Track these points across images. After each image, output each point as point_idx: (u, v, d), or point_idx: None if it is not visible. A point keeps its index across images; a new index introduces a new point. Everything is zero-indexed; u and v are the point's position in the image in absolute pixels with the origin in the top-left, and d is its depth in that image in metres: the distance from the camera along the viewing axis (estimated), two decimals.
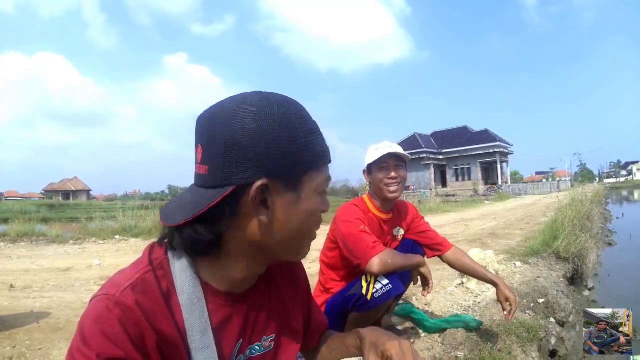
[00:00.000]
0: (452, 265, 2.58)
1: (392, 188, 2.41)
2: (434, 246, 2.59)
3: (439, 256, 2.59)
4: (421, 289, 2.41)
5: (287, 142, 0.75)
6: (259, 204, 0.75)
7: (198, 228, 0.76)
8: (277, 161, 0.74)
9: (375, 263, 2.15)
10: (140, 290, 0.76)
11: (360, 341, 0.98)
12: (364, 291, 2.18)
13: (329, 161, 0.84)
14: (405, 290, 2.49)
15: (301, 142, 0.76)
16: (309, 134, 0.79)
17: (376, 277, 2.19)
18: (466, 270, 2.57)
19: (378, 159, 2.40)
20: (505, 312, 2.30)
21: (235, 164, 0.73)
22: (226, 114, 0.75)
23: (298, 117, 0.78)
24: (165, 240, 0.86)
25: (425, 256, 2.58)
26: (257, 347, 0.92)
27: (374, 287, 2.17)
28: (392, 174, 2.40)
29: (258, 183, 0.73)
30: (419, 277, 2.37)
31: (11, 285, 4.81)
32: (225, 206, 0.75)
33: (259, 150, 0.73)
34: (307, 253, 0.90)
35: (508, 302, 2.28)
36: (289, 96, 0.82)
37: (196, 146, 0.79)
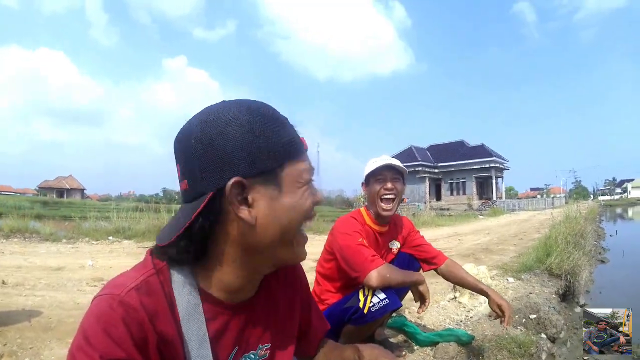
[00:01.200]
0: (446, 278, 2.60)
1: (386, 205, 2.41)
2: (430, 260, 2.60)
3: (435, 269, 2.60)
4: (414, 302, 2.41)
5: (253, 138, 0.77)
6: (238, 203, 0.77)
7: (182, 243, 0.78)
8: (247, 158, 0.76)
9: (374, 277, 2.16)
10: (144, 292, 0.77)
11: (358, 357, 1.00)
12: (361, 305, 2.18)
13: (303, 149, 0.84)
14: (401, 306, 2.50)
15: (268, 136, 0.78)
16: (275, 126, 0.80)
17: (374, 291, 2.19)
18: (458, 282, 2.59)
19: (375, 170, 2.41)
20: (500, 320, 2.30)
21: (209, 170, 0.76)
22: (194, 128, 0.78)
23: (262, 114, 0.80)
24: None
25: (422, 270, 2.60)
26: (252, 356, 0.92)
27: (371, 302, 2.17)
28: (389, 185, 2.40)
29: (231, 181, 0.75)
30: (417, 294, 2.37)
31: (3, 282, 4.77)
32: (209, 214, 0.77)
33: (228, 152, 0.75)
34: (304, 255, 0.89)
35: (501, 310, 2.28)
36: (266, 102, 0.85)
37: (176, 166, 0.82)
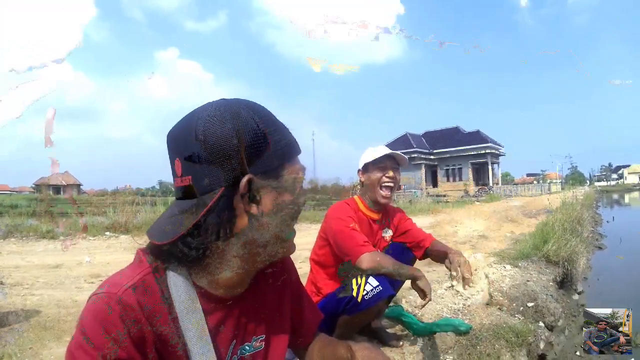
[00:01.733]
0: (432, 259, 2.56)
1: (385, 193, 2.45)
2: (419, 244, 2.60)
3: (425, 252, 2.58)
4: (411, 291, 2.42)
5: (261, 138, 0.79)
6: (248, 199, 0.78)
7: (189, 240, 0.78)
8: (256, 157, 0.79)
9: (365, 259, 2.17)
10: (141, 291, 0.78)
11: (351, 356, 1.01)
12: (354, 293, 2.20)
13: (298, 151, 0.89)
14: (395, 294, 2.51)
15: (272, 136, 0.81)
16: (277, 129, 0.84)
17: (367, 279, 2.21)
18: (437, 256, 2.51)
19: (377, 159, 2.44)
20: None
21: (220, 166, 0.76)
22: (200, 123, 0.78)
23: (265, 116, 0.83)
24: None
25: (417, 259, 2.61)
26: (247, 348, 0.94)
27: (364, 290, 2.20)
28: (390, 173, 2.45)
29: (246, 178, 0.77)
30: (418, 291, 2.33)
31: (1, 282, 4.77)
32: (217, 210, 0.77)
33: (238, 150, 0.77)
34: (294, 248, 0.93)
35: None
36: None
37: (172, 162, 0.82)
